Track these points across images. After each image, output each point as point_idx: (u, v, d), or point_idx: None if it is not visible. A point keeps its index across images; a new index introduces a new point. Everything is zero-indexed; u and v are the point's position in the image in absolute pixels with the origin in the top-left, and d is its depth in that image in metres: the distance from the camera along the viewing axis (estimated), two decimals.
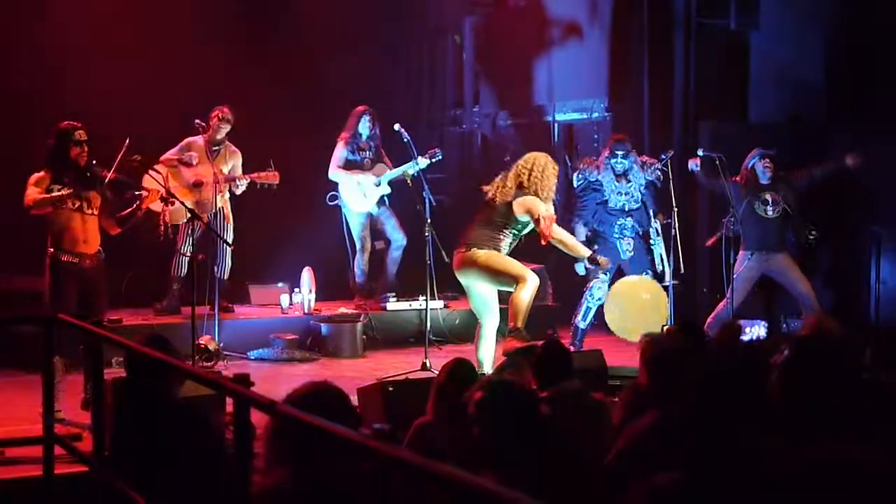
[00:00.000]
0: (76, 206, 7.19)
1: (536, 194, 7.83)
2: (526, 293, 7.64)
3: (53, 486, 4.99)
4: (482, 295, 8.03)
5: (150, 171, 8.02)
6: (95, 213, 7.28)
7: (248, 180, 9.72)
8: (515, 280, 7.71)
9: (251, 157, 9.98)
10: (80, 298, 7.18)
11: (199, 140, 9.76)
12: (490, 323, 8.07)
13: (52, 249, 7.18)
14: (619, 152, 9.31)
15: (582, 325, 9.41)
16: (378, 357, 9.80)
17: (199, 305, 8.56)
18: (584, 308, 9.39)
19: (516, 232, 7.91)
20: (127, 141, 7.57)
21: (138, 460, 4.51)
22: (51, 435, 4.95)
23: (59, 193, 7.11)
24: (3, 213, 9.23)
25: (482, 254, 7.82)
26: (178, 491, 4.33)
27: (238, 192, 9.79)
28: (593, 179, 9.41)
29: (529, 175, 7.86)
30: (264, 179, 9.73)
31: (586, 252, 8.06)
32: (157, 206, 7.97)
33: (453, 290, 10.15)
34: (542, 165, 7.92)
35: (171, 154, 9.72)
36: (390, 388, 6.73)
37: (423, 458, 2.47)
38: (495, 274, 7.83)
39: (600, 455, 4.41)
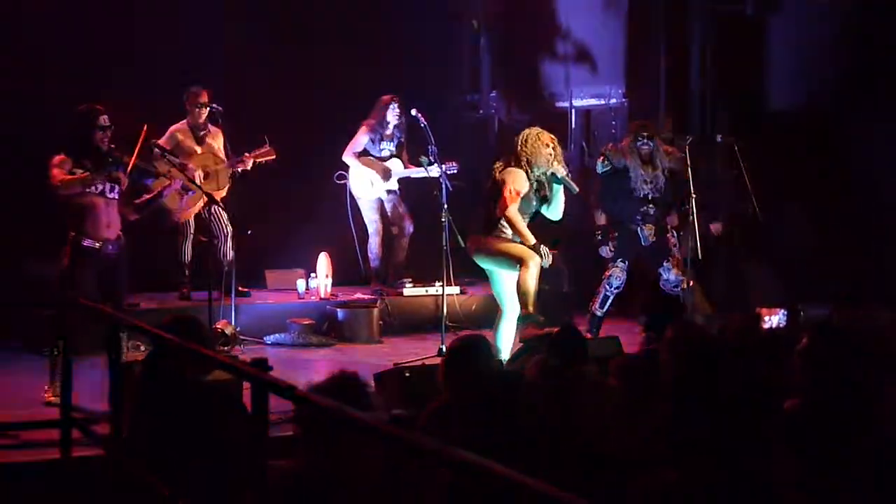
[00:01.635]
0: (99, 189, 7.20)
1: (529, 165, 7.83)
2: (527, 275, 7.60)
3: (71, 469, 5.01)
4: (501, 280, 8.04)
5: (169, 157, 8.05)
6: (117, 197, 7.28)
7: (251, 161, 9.71)
8: (517, 262, 7.70)
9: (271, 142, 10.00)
10: (101, 283, 7.20)
11: (184, 125, 9.77)
12: (510, 309, 8.07)
13: (73, 233, 7.18)
14: (644, 135, 9.22)
15: (599, 313, 9.37)
16: (394, 342, 9.80)
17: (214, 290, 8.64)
18: (601, 296, 9.34)
19: (520, 211, 7.88)
20: (146, 127, 7.59)
21: (160, 443, 4.53)
22: (68, 418, 4.97)
23: (87, 174, 7.09)
24: (20, 197, 9.29)
25: (485, 237, 7.85)
26: (202, 475, 4.35)
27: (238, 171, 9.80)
28: (622, 167, 9.30)
29: (520, 148, 7.88)
30: (263, 157, 9.73)
31: (532, 240, 7.81)
32: (173, 201, 7.99)
33: (470, 276, 10.15)
34: (531, 136, 7.91)
35: (163, 143, 9.67)
36: (407, 374, 6.75)
37: (440, 444, 2.47)
38: (496, 256, 7.84)
39: (613, 441, 4.43)
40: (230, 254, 9.52)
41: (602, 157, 9.39)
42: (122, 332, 4.60)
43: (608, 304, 9.35)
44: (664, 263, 9.26)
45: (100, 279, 7.23)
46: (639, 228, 9.29)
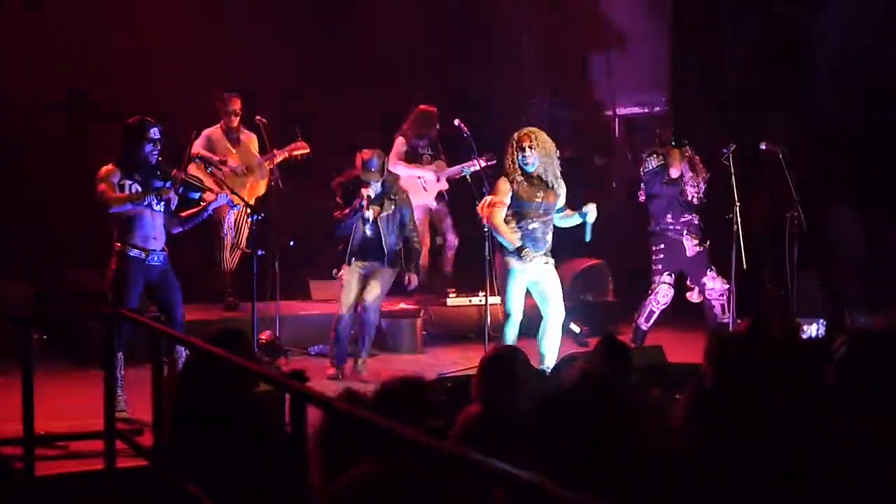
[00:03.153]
0: (146, 202, 7.22)
1: (505, 172, 7.98)
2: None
3: (115, 480, 5.05)
4: (540, 290, 8.04)
5: (213, 170, 8.12)
6: (163, 210, 7.32)
7: (283, 155, 9.73)
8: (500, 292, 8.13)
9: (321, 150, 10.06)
10: (150, 294, 7.24)
11: (217, 130, 9.84)
12: (553, 316, 8.06)
13: (118, 244, 7.22)
14: (685, 141, 9.20)
15: (644, 327, 9.35)
16: (437, 352, 9.79)
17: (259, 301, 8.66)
18: (647, 310, 9.32)
19: (520, 214, 7.93)
20: (194, 135, 7.62)
21: (201, 455, 4.54)
22: (112, 429, 5.00)
23: (138, 193, 7.13)
24: (67, 209, 9.38)
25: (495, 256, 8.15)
26: (245, 487, 4.37)
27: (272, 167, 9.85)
28: (656, 167, 9.30)
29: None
30: (297, 150, 9.74)
31: (517, 243, 7.90)
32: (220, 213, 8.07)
33: None
34: (510, 142, 8.01)
35: (200, 149, 9.71)
36: (448, 384, 6.74)
37: (470, 453, 2.46)
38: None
39: (655, 454, 4.38)
40: (273, 264, 9.55)
41: (654, 155, 9.33)
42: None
43: (654, 319, 9.31)
44: (708, 273, 9.21)
45: (148, 290, 7.27)
46: (683, 238, 9.25)
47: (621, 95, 12.43)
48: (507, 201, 7.93)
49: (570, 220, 8.15)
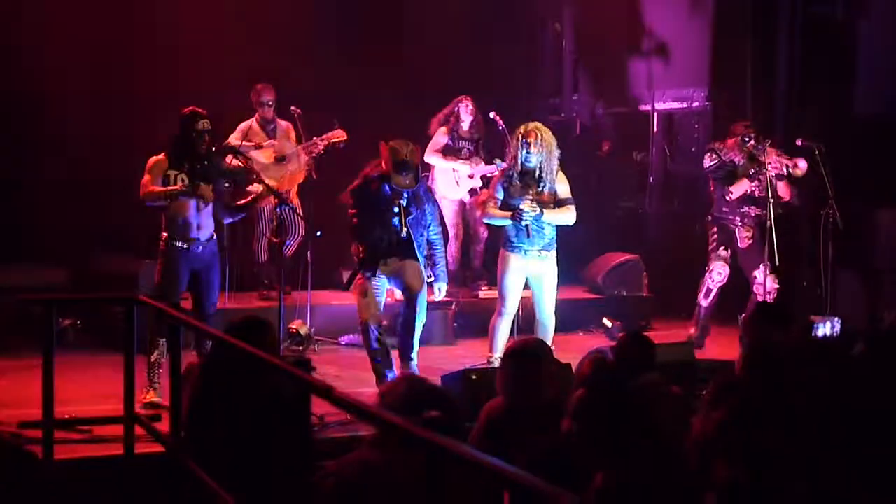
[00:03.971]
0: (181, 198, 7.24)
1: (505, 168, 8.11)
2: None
3: (133, 466, 5.07)
4: (537, 284, 8.11)
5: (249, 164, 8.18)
6: (210, 200, 7.32)
7: (324, 143, 9.72)
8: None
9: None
10: (194, 284, 7.30)
11: (253, 124, 9.86)
12: (546, 310, 8.12)
13: (165, 234, 7.27)
14: (751, 134, 9.11)
15: (704, 303, 9.45)
16: (469, 345, 9.75)
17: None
18: (705, 287, 9.42)
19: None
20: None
21: (216, 443, 4.55)
22: (131, 415, 5.02)
23: (174, 188, 7.17)
24: (116, 196, 9.44)
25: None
26: (257, 475, 4.37)
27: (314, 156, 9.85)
28: (728, 161, 9.21)
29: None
30: (335, 138, 9.74)
31: (509, 216, 7.84)
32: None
33: None
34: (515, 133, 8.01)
35: (236, 141, 9.77)
36: (473, 377, 6.73)
37: (469, 449, 2.44)
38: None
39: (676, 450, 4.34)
40: (305, 254, 9.57)
41: (710, 153, 9.29)
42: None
43: (712, 295, 9.37)
44: (760, 267, 9.14)
45: (194, 280, 7.31)
46: (736, 230, 9.20)
47: (660, 91, 12.33)
48: (500, 196, 7.92)
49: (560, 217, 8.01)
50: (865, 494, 3.20)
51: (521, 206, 7.77)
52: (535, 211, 7.77)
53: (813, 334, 4.97)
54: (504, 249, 8.05)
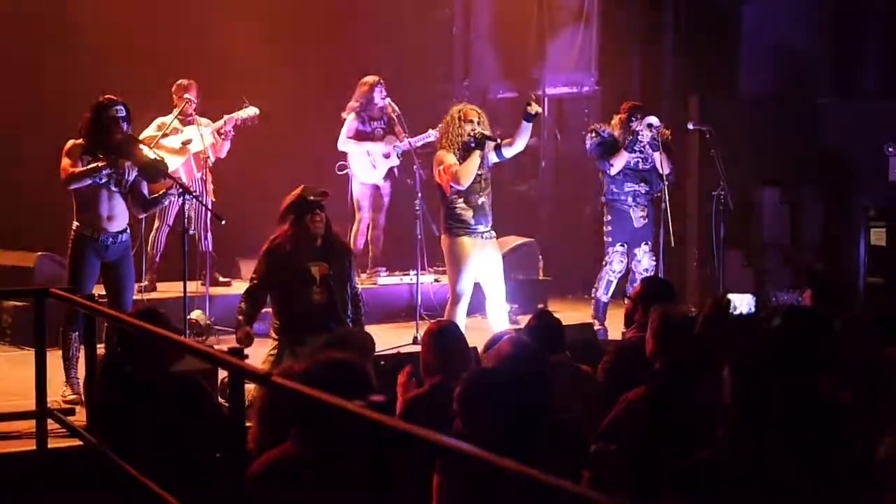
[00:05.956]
0: (103, 181, 7.08)
1: (445, 147, 7.83)
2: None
3: (46, 461, 5.00)
4: (486, 266, 8.05)
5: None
6: (121, 190, 7.18)
7: (232, 122, 9.65)
8: (453, 272, 7.98)
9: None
10: (104, 277, 7.15)
11: (170, 118, 9.72)
12: (497, 290, 8.09)
13: (76, 224, 7.10)
14: (638, 116, 9.07)
15: (604, 299, 9.24)
16: (368, 331, 9.74)
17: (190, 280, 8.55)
18: (604, 281, 9.20)
19: (467, 190, 7.83)
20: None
21: (126, 434, 4.52)
22: (43, 409, 4.96)
23: (97, 164, 6.98)
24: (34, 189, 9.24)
25: (442, 238, 8.01)
26: (172, 463, 4.36)
27: (225, 148, 9.77)
28: (608, 137, 9.10)
29: (444, 131, 7.93)
30: (244, 115, 9.68)
31: (475, 153, 7.78)
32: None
33: (443, 265, 10.13)
34: (452, 118, 7.88)
35: (153, 133, 9.62)
36: (381, 363, 6.76)
37: (421, 429, 2.49)
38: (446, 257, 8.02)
39: (588, 428, 4.47)
40: (207, 244, 9.50)
41: (590, 132, 9.27)
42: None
43: (612, 288, 9.24)
44: (642, 245, 9.20)
45: (105, 273, 7.17)
46: (630, 210, 9.18)
47: (551, 75, 12.48)
48: (455, 160, 7.81)
49: (520, 139, 7.96)
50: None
51: (479, 130, 7.76)
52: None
53: (731, 311, 5.14)
54: (453, 235, 7.92)
